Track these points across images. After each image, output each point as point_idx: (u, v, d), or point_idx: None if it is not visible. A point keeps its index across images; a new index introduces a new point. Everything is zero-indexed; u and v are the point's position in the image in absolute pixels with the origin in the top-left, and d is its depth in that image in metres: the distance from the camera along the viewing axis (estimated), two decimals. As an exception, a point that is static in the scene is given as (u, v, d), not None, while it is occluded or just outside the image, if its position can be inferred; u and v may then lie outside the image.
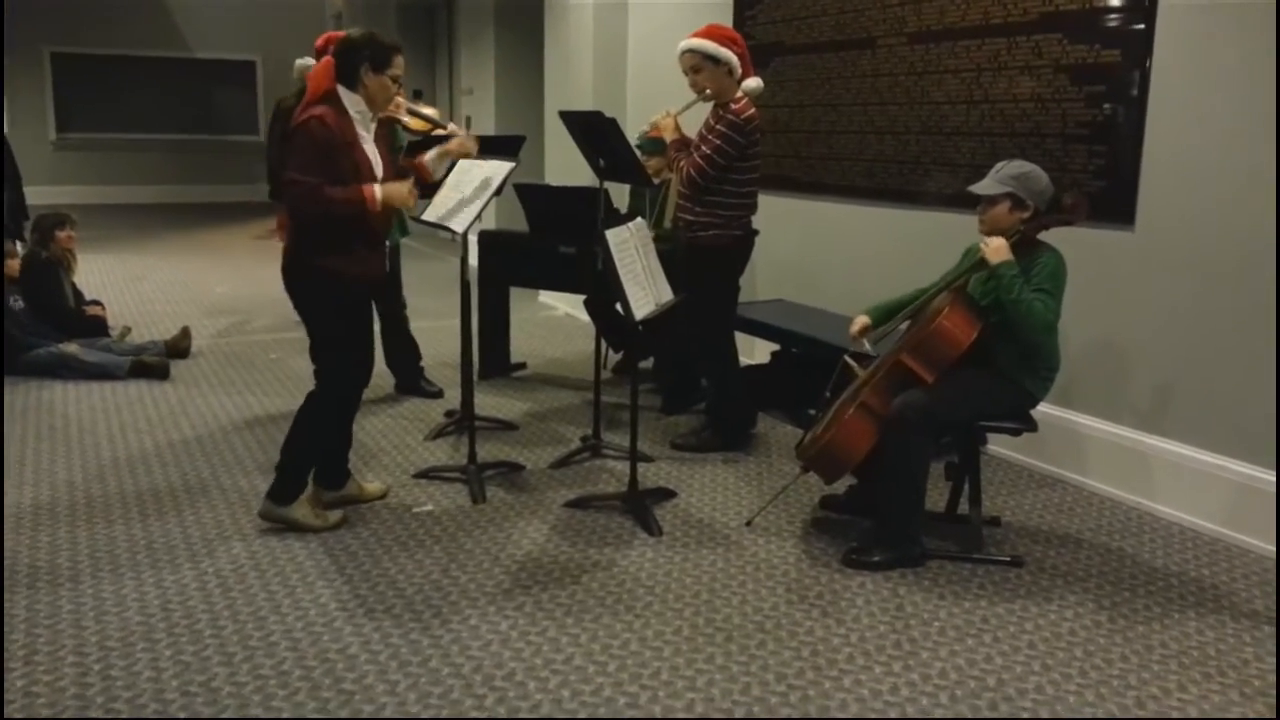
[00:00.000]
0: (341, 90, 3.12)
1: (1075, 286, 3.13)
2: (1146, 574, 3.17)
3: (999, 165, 3.17)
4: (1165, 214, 3.57)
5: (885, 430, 3.07)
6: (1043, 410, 3.24)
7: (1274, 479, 3.27)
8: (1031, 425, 3.18)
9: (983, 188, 3.13)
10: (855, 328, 3.41)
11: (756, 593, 2.98)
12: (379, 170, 3.21)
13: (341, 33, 4.51)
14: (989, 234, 3.10)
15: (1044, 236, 3.14)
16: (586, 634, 2.72)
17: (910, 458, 3.06)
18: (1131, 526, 3.53)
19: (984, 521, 3.32)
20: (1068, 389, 3.80)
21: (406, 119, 4.46)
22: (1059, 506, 3.71)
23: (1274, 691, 2.51)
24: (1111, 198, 3.71)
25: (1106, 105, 3.73)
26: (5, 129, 8.12)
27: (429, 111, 4.60)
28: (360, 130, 3.16)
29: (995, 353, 3.10)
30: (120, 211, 13.14)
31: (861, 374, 3.27)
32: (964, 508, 3.36)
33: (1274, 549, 3.25)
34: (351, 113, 3.13)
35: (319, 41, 4.51)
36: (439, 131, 4.61)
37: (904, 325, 3.33)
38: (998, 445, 4.11)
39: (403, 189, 3.20)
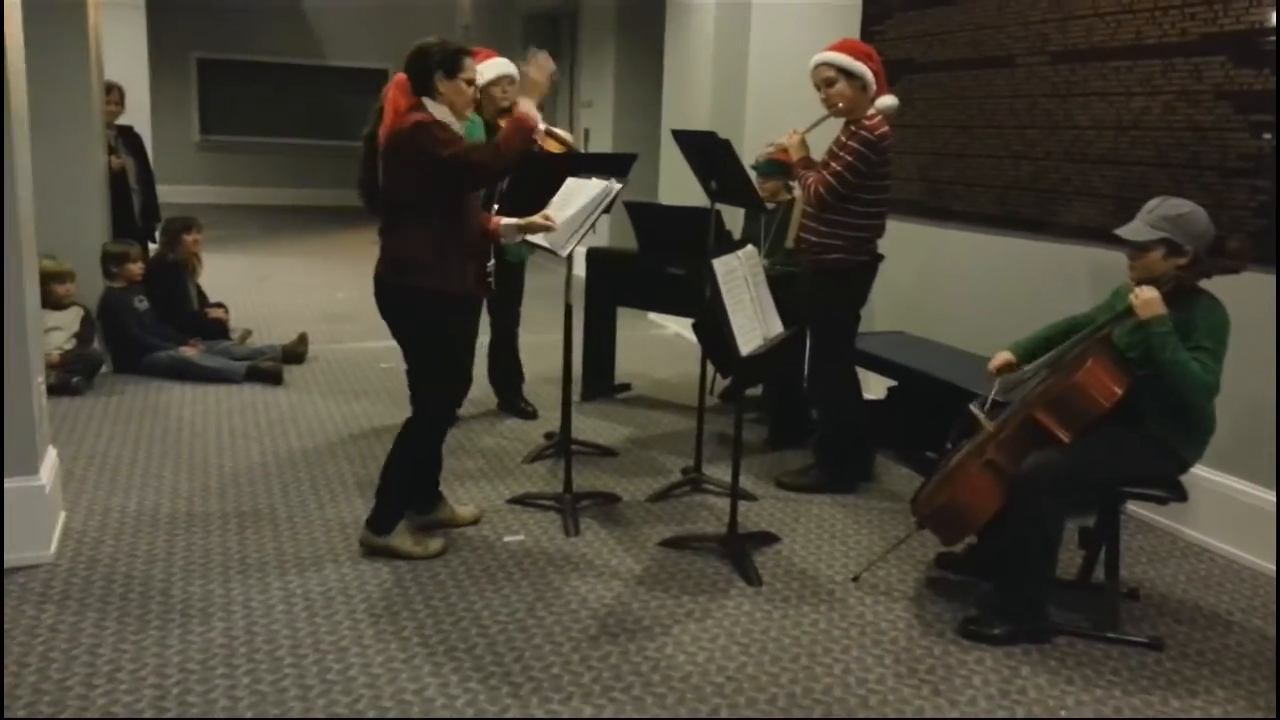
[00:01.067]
0: (426, 102, 3.06)
1: (1233, 336, 2.79)
2: (1309, 668, 2.81)
3: (1151, 204, 2.85)
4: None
5: (1014, 492, 2.80)
6: (1192, 471, 2.91)
7: None
8: (1181, 494, 2.85)
9: (1132, 232, 2.82)
10: (996, 362, 3.12)
11: (861, 661, 2.75)
12: None
13: (483, 51, 4.49)
14: (1140, 282, 2.79)
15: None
16: (674, 696, 2.55)
17: (1041, 524, 2.77)
18: (1291, 609, 3.16)
19: (1120, 595, 3.00)
20: (1221, 449, 3.41)
21: (543, 141, 4.41)
22: (1205, 580, 3.35)
23: None
24: (1276, 238, 3.34)
25: (1273, 136, 3.36)
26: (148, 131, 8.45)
27: (564, 135, 4.52)
28: None
29: (1143, 411, 2.79)
30: (255, 212, 13.65)
31: (989, 426, 3.00)
32: (1098, 574, 3.05)
33: None
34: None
35: None
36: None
37: (1040, 374, 3.04)
38: (1138, 506, 3.75)
39: (524, 109, 3.07)
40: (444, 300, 3.10)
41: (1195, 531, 3.65)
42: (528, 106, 3.07)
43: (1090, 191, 4.05)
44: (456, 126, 3.12)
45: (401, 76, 3.08)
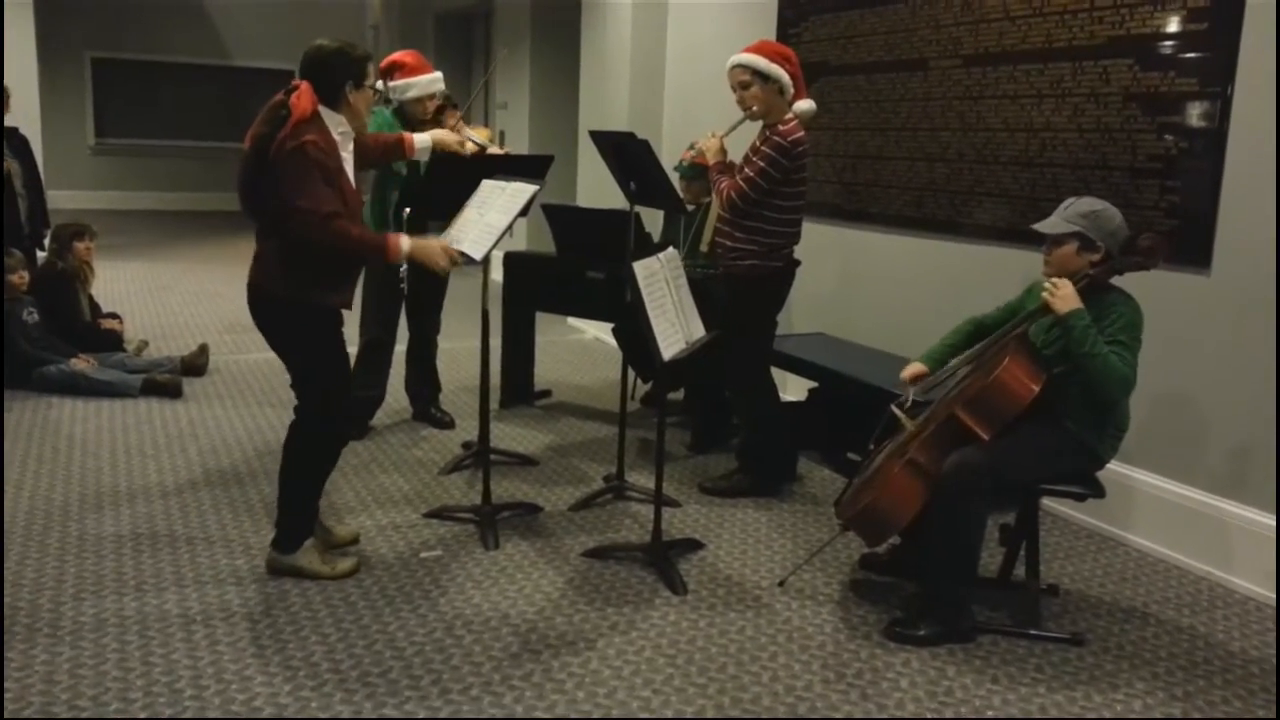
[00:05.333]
0: (324, 110, 2.94)
1: (1145, 335, 2.84)
2: (1223, 658, 2.86)
3: (1067, 201, 2.89)
4: (1245, 257, 3.27)
5: (936, 491, 2.79)
6: (1107, 467, 2.95)
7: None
8: (1099, 491, 2.88)
9: (1048, 226, 2.85)
10: (909, 373, 3.12)
11: (789, 667, 2.70)
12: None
13: (405, 55, 4.34)
14: (1055, 276, 2.81)
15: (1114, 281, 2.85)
16: (599, 712, 2.46)
17: (963, 523, 2.77)
18: (1203, 600, 3.22)
19: (1041, 591, 3.02)
20: (1135, 445, 3.49)
21: (465, 149, 4.29)
22: (1122, 574, 3.40)
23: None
24: (1185, 238, 3.41)
25: (1181, 137, 3.44)
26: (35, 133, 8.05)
27: (479, 139, 4.40)
28: (343, 153, 3.01)
29: (1059, 408, 2.81)
30: (155, 218, 13.12)
31: (910, 426, 2.99)
32: (1019, 572, 3.06)
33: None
34: (335, 134, 2.96)
35: (383, 64, 4.35)
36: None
37: (959, 372, 3.04)
38: (1054, 502, 3.80)
39: (437, 248, 3.09)
40: (330, 310, 3.02)
41: (1110, 526, 3.71)
42: (407, 249, 3.01)
43: (1003, 193, 4.10)
44: (350, 137, 3.04)
45: (308, 84, 2.92)
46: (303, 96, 2.89)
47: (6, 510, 3.56)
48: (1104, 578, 3.37)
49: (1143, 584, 3.33)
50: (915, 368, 3.13)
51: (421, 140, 3.69)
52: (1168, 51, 3.46)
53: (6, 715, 2.36)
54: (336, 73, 2.94)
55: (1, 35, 6.57)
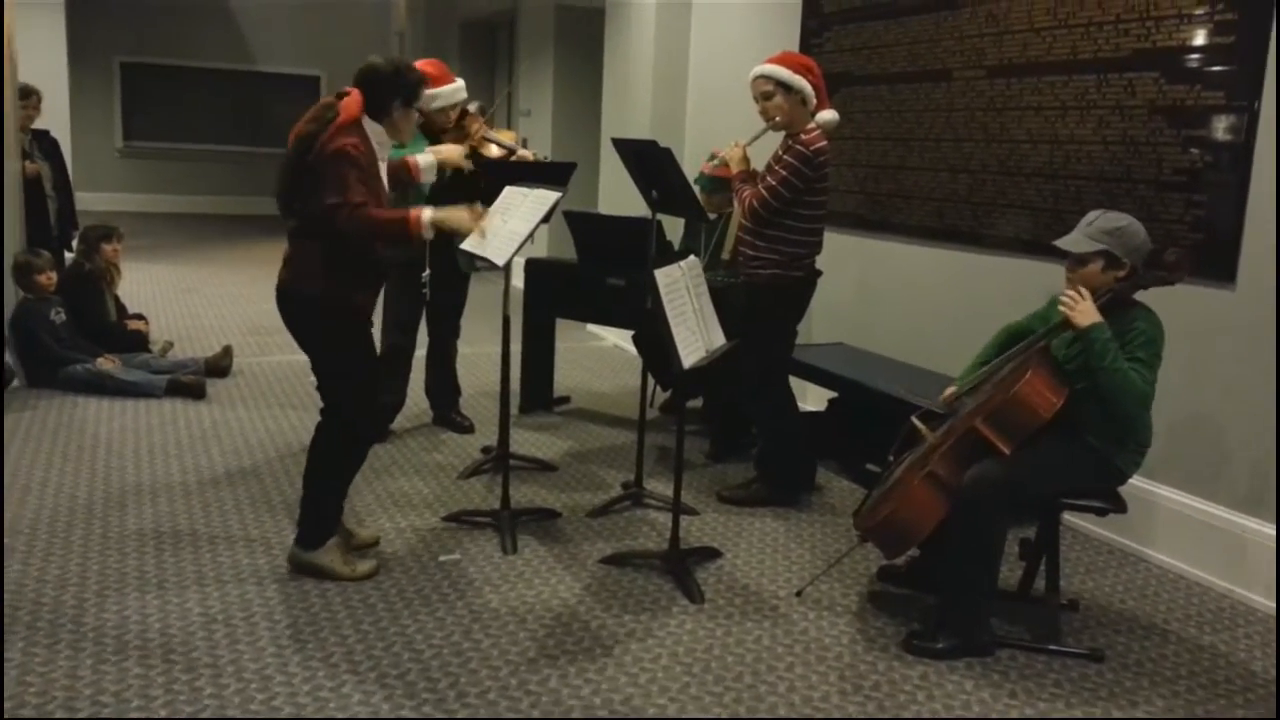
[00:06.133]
0: (367, 120, 3.02)
1: (1168, 349, 2.82)
2: (1243, 678, 2.83)
3: (1090, 216, 2.87)
4: (1271, 271, 3.24)
5: (956, 504, 2.78)
6: (1129, 482, 2.93)
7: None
8: (1120, 506, 2.86)
9: (1072, 243, 2.83)
10: (944, 398, 3.10)
11: (806, 678, 2.70)
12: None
13: (428, 65, 4.36)
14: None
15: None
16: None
17: (983, 537, 2.76)
18: (1224, 618, 3.19)
19: (1060, 606, 3.00)
20: (1157, 461, 3.45)
21: (489, 149, 4.31)
22: (1142, 590, 3.37)
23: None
24: (1210, 252, 3.39)
25: (1207, 151, 3.42)
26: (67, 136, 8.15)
27: (506, 141, 4.42)
28: (380, 162, 3.09)
29: (1081, 422, 2.80)
30: (181, 221, 13.24)
31: (931, 438, 2.99)
32: (1038, 586, 3.05)
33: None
34: (373, 141, 3.04)
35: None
36: (514, 158, 4.42)
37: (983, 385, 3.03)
38: (1075, 517, 3.77)
39: (463, 213, 3.11)
40: (358, 310, 3.08)
41: (1131, 541, 3.68)
42: (430, 218, 3.02)
43: (1026, 204, 4.09)
44: (387, 148, 3.10)
45: (359, 93, 3.00)
46: (352, 102, 2.98)
47: (31, 507, 3.61)
48: (1124, 593, 3.34)
49: (1163, 600, 3.30)
50: (951, 391, 3.10)
51: (426, 161, 3.51)
52: (1194, 65, 3.44)
53: (30, 714, 2.39)
54: (387, 88, 3.01)
55: (1, 35, 6.60)
